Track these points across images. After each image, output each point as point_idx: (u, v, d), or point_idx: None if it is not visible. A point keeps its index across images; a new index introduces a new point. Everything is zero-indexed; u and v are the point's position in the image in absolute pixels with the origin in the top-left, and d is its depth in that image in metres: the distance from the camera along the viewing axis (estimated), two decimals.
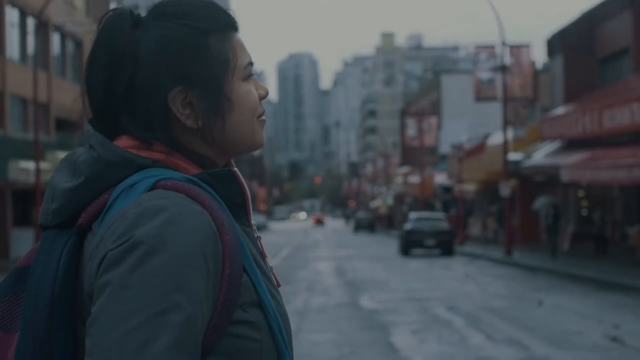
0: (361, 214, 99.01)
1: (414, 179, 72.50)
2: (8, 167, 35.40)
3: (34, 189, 34.71)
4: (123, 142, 1.73)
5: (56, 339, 1.65)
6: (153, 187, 1.65)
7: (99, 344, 1.52)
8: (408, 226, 42.14)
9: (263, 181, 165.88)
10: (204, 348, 1.61)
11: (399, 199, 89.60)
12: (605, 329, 14.80)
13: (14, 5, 40.08)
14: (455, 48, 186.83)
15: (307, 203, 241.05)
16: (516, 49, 40.21)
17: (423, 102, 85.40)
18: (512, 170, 38.70)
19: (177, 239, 1.56)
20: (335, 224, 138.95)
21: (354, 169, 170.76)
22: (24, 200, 41.15)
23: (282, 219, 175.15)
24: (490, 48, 42.78)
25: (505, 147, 36.84)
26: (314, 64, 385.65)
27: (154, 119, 1.72)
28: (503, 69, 36.60)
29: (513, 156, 39.98)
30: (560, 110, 35.56)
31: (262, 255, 1.79)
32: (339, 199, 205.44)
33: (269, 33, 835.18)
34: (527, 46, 40.98)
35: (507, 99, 37.23)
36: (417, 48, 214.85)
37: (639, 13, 34.40)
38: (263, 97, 1.83)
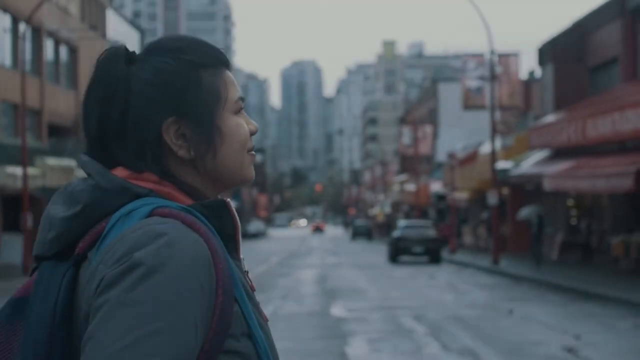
0: (359, 222, 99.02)
1: (411, 187, 72.49)
2: None
3: (22, 194, 34.66)
4: (119, 172, 1.76)
5: None
6: (150, 214, 1.68)
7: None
8: (397, 233, 42.75)
9: (264, 188, 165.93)
10: None
11: (396, 206, 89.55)
12: (565, 339, 14.71)
13: (5, 10, 40.08)
14: (457, 56, 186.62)
15: (308, 210, 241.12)
16: (505, 58, 40.17)
17: (421, 110, 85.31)
18: (500, 179, 38.66)
19: (176, 261, 1.59)
20: (334, 232, 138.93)
21: (356, 177, 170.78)
22: (14, 206, 41.11)
23: (282, 226, 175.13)
24: (479, 56, 42.74)
25: (493, 156, 36.79)
26: (317, 71, 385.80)
27: (146, 148, 1.76)
28: (492, 77, 36.50)
29: (502, 165, 39.94)
30: (548, 119, 35.50)
31: (251, 289, 1.81)
32: (340, 206, 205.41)
33: (273, 40, 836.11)
34: (515, 55, 40.94)
35: (495, 108, 37.13)
36: (418, 56, 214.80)
37: (629, 23, 34.36)
38: (253, 132, 1.86)
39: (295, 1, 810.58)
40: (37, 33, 43.39)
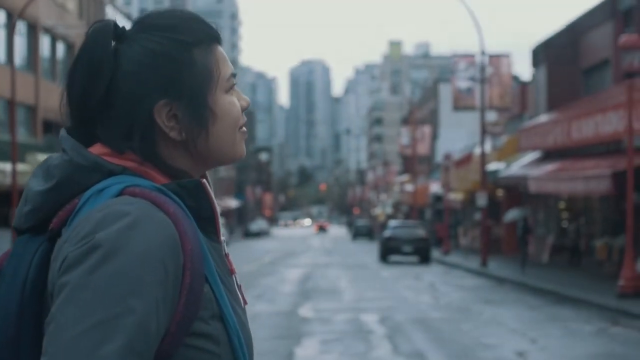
0: (360, 222, 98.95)
1: (410, 187, 72.45)
2: None
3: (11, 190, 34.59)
4: (96, 149, 1.75)
5: (23, 341, 1.68)
6: (120, 193, 1.67)
7: (53, 344, 1.53)
8: (387, 233, 43.34)
9: (269, 187, 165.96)
10: (163, 355, 1.61)
11: (397, 207, 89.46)
12: (520, 343, 14.59)
13: (0, 6, 40.03)
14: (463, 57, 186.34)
15: (314, 210, 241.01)
16: (496, 59, 39.99)
17: (423, 110, 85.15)
18: (491, 181, 38.51)
19: (137, 243, 1.57)
20: (338, 232, 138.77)
21: (361, 177, 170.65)
22: (3, 202, 41.10)
23: (286, 225, 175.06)
24: (469, 57, 42.54)
25: (482, 157, 36.62)
26: (326, 70, 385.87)
27: (135, 129, 1.74)
28: (482, 78, 36.34)
29: (493, 166, 39.80)
30: (537, 120, 35.35)
31: (230, 272, 1.79)
32: (345, 206, 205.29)
33: (283, 40, 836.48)
34: (507, 56, 40.75)
35: (485, 109, 36.97)
36: (424, 56, 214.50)
37: (620, 24, 34.17)
38: (244, 108, 1.85)
39: (309, 1, 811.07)
40: (33, 29, 43.37)
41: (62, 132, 1.78)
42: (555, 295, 23.85)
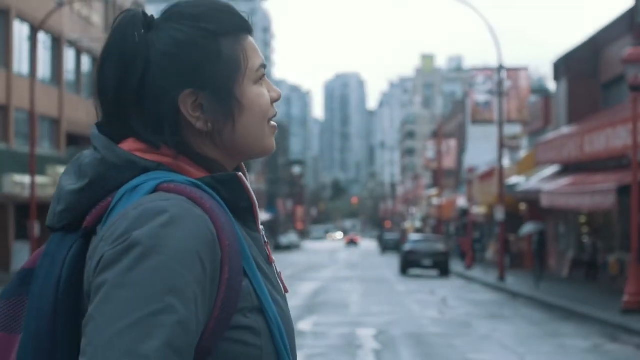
0: (389, 235, 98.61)
1: (438, 201, 72.29)
2: (2, 180, 35.52)
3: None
4: (128, 145, 1.73)
5: (59, 340, 1.67)
6: (155, 190, 1.66)
7: (91, 343, 1.52)
8: (407, 247, 44.13)
9: (302, 200, 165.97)
10: (202, 352, 1.61)
11: (426, 220, 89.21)
12: (507, 359, 14.41)
13: (23, 20, 40.30)
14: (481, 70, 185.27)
15: (348, 223, 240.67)
16: (514, 72, 39.78)
17: (452, 124, 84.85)
18: (509, 194, 38.25)
19: (174, 241, 1.56)
20: (369, 245, 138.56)
21: (393, 190, 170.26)
22: (25, 214, 41.36)
23: (319, 238, 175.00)
24: (487, 70, 42.33)
25: (501, 171, 36.44)
26: (361, 84, 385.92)
27: (163, 121, 1.72)
28: (500, 92, 36.14)
29: (514, 180, 39.55)
30: (553, 134, 35.11)
31: (269, 261, 1.78)
32: (378, 219, 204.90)
33: (317, 53, 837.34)
34: (525, 69, 40.49)
35: (503, 123, 36.76)
36: (457, 70, 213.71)
37: (637, 37, 33.91)
38: (275, 99, 1.83)
39: (344, 14, 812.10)
40: (57, 42, 43.69)
41: (94, 129, 1.77)
42: (564, 310, 23.65)
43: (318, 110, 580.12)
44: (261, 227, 1.79)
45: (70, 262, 1.69)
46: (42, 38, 42.08)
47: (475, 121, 43.75)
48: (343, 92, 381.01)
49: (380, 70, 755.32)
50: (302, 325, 19.43)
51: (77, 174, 1.74)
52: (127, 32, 1.73)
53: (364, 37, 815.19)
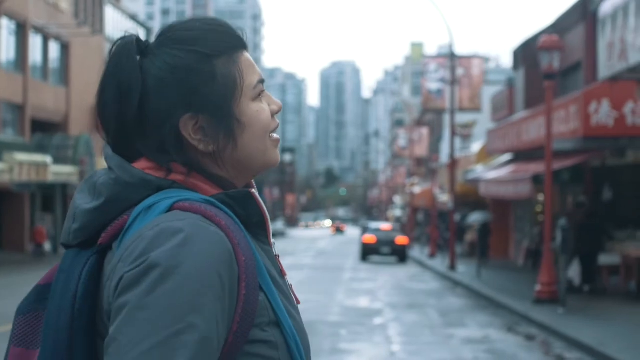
0: (371, 224, 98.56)
1: (416, 189, 72.33)
2: None
3: None
4: (141, 164, 1.76)
5: (76, 355, 1.69)
6: (170, 209, 1.68)
7: None
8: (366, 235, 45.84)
9: (292, 188, 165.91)
10: None
11: (405, 209, 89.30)
12: (379, 349, 14.41)
13: None
14: (486, 59, 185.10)
15: (340, 211, 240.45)
16: (466, 60, 39.79)
17: (431, 112, 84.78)
18: (465, 183, 38.25)
19: (193, 260, 1.59)
20: (355, 233, 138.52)
21: (377, 178, 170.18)
22: None
23: (307, 226, 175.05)
24: (439, 58, 42.30)
25: (452, 159, 36.42)
26: (356, 72, 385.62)
27: (167, 144, 1.74)
28: (452, 80, 36.11)
29: (479, 169, 39.52)
30: (500, 124, 35.09)
31: (281, 274, 1.82)
32: (367, 208, 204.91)
33: (313, 41, 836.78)
34: (479, 57, 40.48)
35: (455, 111, 36.74)
36: (446, 58, 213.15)
37: (590, 26, 33.86)
38: (276, 112, 1.84)
39: (341, 2, 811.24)
40: (22, 28, 43.50)
41: (107, 149, 1.78)
42: (487, 300, 23.64)
43: (314, 98, 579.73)
44: (272, 240, 1.82)
45: (86, 278, 1.71)
46: (5, 23, 41.95)
47: (428, 109, 43.75)
48: (338, 80, 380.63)
49: (376, 58, 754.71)
50: None
51: (92, 193, 1.76)
52: (122, 60, 1.75)
53: (360, 25, 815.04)
